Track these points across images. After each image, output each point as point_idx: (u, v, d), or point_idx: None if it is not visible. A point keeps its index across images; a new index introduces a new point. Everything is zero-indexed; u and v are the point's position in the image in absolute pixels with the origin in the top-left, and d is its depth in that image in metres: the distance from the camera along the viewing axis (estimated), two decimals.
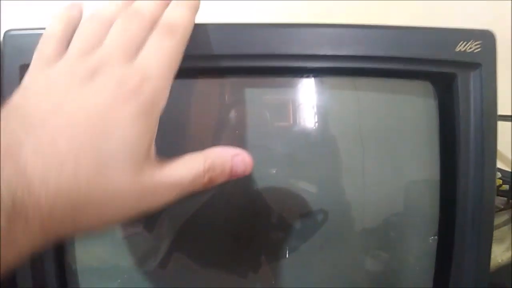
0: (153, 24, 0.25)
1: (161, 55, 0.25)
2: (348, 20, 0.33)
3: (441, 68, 0.33)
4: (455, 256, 0.36)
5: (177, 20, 0.26)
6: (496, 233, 0.48)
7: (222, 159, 0.25)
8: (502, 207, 0.55)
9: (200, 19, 0.29)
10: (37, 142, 0.21)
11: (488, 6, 0.63)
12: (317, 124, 0.37)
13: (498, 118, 0.61)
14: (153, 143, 0.24)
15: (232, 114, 0.35)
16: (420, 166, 0.38)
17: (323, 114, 0.36)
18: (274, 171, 0.36)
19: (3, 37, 0.33)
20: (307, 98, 0.36)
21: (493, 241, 0.48)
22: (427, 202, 0.39)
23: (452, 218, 0.35)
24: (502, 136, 0.61)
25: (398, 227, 0.41)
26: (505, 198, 0.58)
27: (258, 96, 0.36)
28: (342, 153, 0.38)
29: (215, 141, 0.35)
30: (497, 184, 0.64)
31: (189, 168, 0.24)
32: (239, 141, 0.35)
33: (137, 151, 0.22)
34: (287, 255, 0.39)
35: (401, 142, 0.38)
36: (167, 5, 0.27)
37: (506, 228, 0.47)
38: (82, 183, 0.21)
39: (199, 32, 0.30)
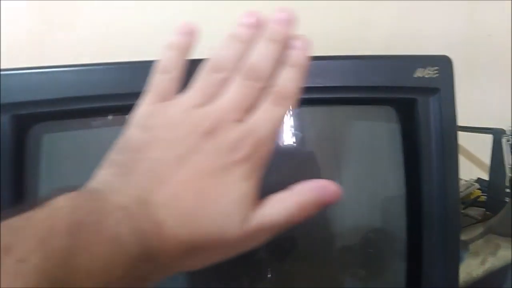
0: (266, 86, 0.26)
1: (273, 121, 0.26)
2: None
3: (401, 94, 0.34)
4: (425, 271, 0.37)
5: (290, 90, 0.27)
6: (472, 246, 0.48)
7: (311, 193, 0.26)
8: (480, 218, 0.56)
9: None
10: (164, 195, 0.23)
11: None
12: (289, 150, 0.38)
13: (477, 130, 0.63)
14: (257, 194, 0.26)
15: None
16: (389, 184, 0.39)
17: (299, 140, 0.37)
18: None
19: None
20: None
21: (469, 254, 0.49)
22: (396, 218, 0.40)
23: (419, 235, 0.36)
24: (483, 146, 0.63)
25: (375, 244, 0.42)
26: (483, 209, 0.59)
27: None
28: (318, 174, 0.39)
29: None
30: (476, 195, 0.65)
31: (284, 209, 0.25)
32: None
33: (245, 206, 0.24)
34: (268, 275, 0.40)
35: (371, 163, 0.39)
36: (279, 64, 0.27)
37: (481, 241, 0.48)
38: (201, 235, 0.23)
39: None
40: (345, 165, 0.39)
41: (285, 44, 0.27)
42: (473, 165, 0.73)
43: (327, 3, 0.63)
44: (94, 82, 0.33)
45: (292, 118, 0.38)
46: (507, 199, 0.53)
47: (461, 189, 0.63)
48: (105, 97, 0.33)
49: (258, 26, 0.28)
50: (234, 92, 0.26)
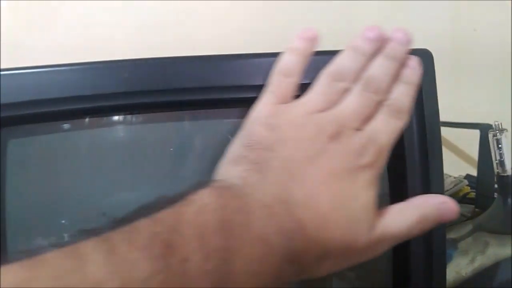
0: (382, 99, 0.27)
1: (390, 131, 0.26)
2: None
3: None
4: (411, 271, 0.36)
5: (405, 105, 0.27)
6: (461, 245, 0.47)
7: (431, 208, 0.26)
8: (470, 215, 0.55)
9: None
10: (303, 195, 0.23)
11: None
12: None
13: (464, 126, 0.62)
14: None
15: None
16: None
17: None
18: None
19: None
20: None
21: (458, 253, 0.48)
22: None
23: None
24: (471, 142, 0.62)
25: None
26: (473, 206, 0.59)
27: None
28: None
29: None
30: (465, 191, 0.64)
31: (405, 220, 0.25)
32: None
33: (372, 213, 0.24)
34: None
35: None
36: (397, 81, 0.28)
37: (470, 239, 0.47)
38: (336, 238, 0.23)
39: None
40: None
41: (401, 62, 0.28)
42: (462, 161, 0.73)
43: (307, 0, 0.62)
44: (61, 83, 0.32)
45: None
46: (496, 195, 0.52)
47: (450, 186, 0.62)
48: (74, 98, 0.32)
49: (379, 41, 0.28)
50: (354, 102, 0.26)
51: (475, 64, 0.72)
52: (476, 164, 0.60)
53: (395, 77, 0.28)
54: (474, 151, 0.60)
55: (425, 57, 0.33)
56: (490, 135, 0.50)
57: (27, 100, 0.32)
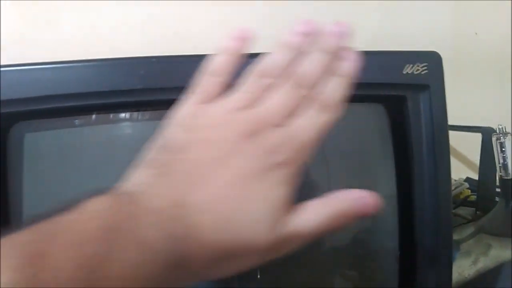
0: (312, 94, 0.26)
1: (315, 129, 0.26)
2: None
3: (390, 91, 0.33)
4: (418, 270, 0.36)
5: (335, 99, 0.27)
6: (463, 246, 0.48)
7: (347, 203, 0.25)
8: (470, 218, 0.56)
9: None
10: (201, 199, 0.23)
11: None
12: None
13: (466, 129, 0.63)
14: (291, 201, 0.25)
15: None
16: (379, 182, 0.39)
17: None
18: None
19: None
20: None
21: (460, 254, 0.48)
22: (388, 218, 0.39)
23: (412, 235, 0.36)
24: (472, 145, 0.62)
25: (365, 245, 0.41)
26: (473, 209, 0.59)
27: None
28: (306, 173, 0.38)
29: None
30: (465, 194, 0.65)
31: (316, 217, 0.25)
32: None
33: (280, 212, 0.24)
34: (258, 276, 0.39)
35: (360, 162, 0.38)
36: (330, 74, 0.27)
37: (472, 240, 0.48)
38: (234, 240, 0.23)
39: None
40: (334, 164, 0.38)
41: (335, 55, 0.27)
42: (461, 164, 0.73)
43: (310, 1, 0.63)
44: (75, 79, 0.32)
45: None
46: (497, 199, 0.53)
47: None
48: (88, 95, 0.32)
49: (311, 35, 0.28)
50: (279, 98, 0.26)
51: (476, 67, 0.72)
52: (475, 167, 0.61)
53: (328, 71, 0.27)
54: (473, 154, 0.60)
55: (434, 59, 0.34)
56: (494, 139, 0.51)
57: (43, 95, 0.32)
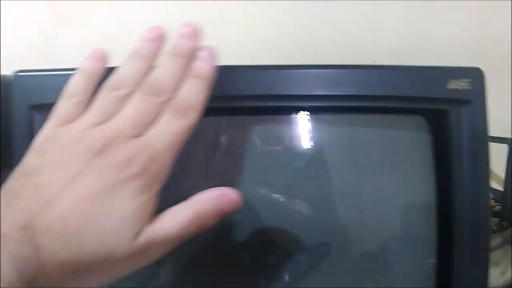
0: (167, 100, 0.26)
1: (172, 135, 0.26)
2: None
3: (433, 105, 0.35)
4: (454, 278, 0.37)
5: (192, 102, 0.27)
6: (492, 256, 0.49)
7: (208, 203, 0.26)
8: (495, 228, 0.57)
9: None
10: (49, 219, 0.23)
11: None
12: (317, 157, 0.38)
13: (495, 140, 0.63)
14: (154, 208, 0.25)
15: (235, 151, 0.36)
16: (416, 192, 0.40)
17: (323, 149, 0.38)
18: (276, 204, 0.37)
19: (14, 78, 0.34)
20: (307, 134, 0.38)
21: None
22: (424, 226, 0.40)
23: (450, 242, 0.37)
24: (495, 156, 0.63)
25: (397, 251, 0.42)
26: (497, 219, 0.60)
27: (260, 133, 0.37)
28: (340, 183, 0.39)
29: (220, 177, 0.36)
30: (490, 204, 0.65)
31: (177, 221, 0.25)
32: (242, 177, 0.36)
33: (136, 222, 0.24)
34: (286, 279, 0.40)
35: (397, 171, 0.39)
36: (184, 77, 0.27)
37: (500, 251, 0.48)
38: (86, 255, 0.23)
39: None
40: (374, 173, 0.39)
41: (190, 57, 0.27)
42: None
43: (334, 8, 0.63)
44: None
45: (319, 126, 0.38)
46: None
47: None
48: None
49: (160, 41, 0.28)
50: (132, 108, 0.26)
51: (500, 75, 0.72)
52: (499, 178, 0.61)
53: (184, 74, 0.27)
54: (498, 165, 0.60)
55: (478, 75, 0.35)
56: None
57: None
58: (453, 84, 0.34)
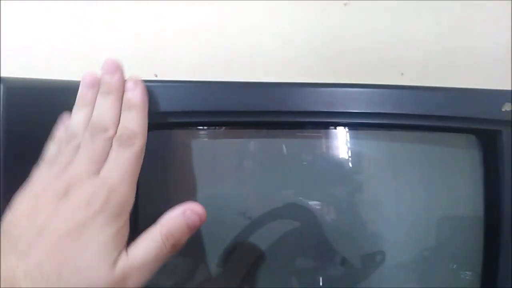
0: (113, 134, 0.29)
1: (123, 165, 0.28)
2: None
3: (487, 126, 0.37)
4: None
5: (133, 130, 0.29)
6: None
7: (175, 221, 0.28)
8: None
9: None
10: (26, 267, 0.25)
11: None
12: (376, 172, 0.40)
13: None
14: (127, 235, 0.27)
15: (282, 164, 0.38)
16: (465, 206, 0.42)
17: (380, 164, 0.40)
18: (330, 214, 0.40)
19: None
20: (364, 151, 0.40)
21: None
22: (472, 239, 0.42)
23: (496, 256, 0.39)
24: None
25: (446, 261, 0.44)
26: None
27: (310, 148, 0.40)
28: (394, 195, 0.41)
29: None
30: None
31: (149, 247, 0.27)
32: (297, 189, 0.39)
33: (110, 252, 0.26)
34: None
35: (447, 184, 0.42)
36: (121, 109, 0.30)
37: None
38: None
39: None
40: (425, 188, 0.41)
41: (120, 90, 0.30)
42: None
43: (364, 19, 0.63)
44: (213, 98, 0.36)
45: (375, 141, 0.40)
46: None
47: None
48: (217, 113, 0.36)
49: (96, 85, 0.30)
50: (84, 151, 0.28)
51: None
52: None
53: (120, 107, 0.30)
54: None
55: None
56: None
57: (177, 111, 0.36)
58: (508, 107, 0.36)
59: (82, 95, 0.31)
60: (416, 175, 0.42)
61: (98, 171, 0.28)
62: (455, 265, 0.44)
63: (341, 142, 0.40)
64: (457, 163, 0.41)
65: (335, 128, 0.40)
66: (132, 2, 0.61)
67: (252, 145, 0.40)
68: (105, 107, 0.30)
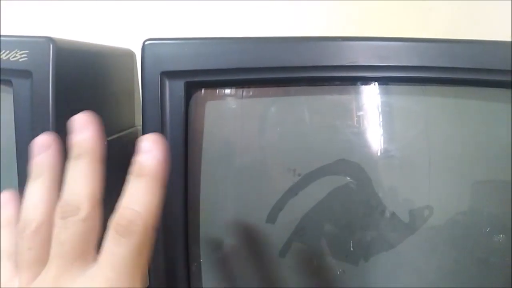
0: (89, 214, 0.24)
1: (119, 260, 0.23)
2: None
3: None
4: None
5: (139, 212, 0.24)
6: None
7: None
8: None
9: None
10: None
11: None
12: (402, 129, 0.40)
13: None
14: None
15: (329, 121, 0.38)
16: (500, 167, 0.42)
17: (410, 118, 0.40)
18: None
19: (143, 46, 0.36)
20: (394, 105, 0.40)
21: None
22: (504, 203, 0.42)
23: None
24: None
25: (465, 225, 0.44)
26: None
27: (337, 103, 0.40)
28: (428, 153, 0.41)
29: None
30: None
31: None
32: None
33: None
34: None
35: (481, 144, 0.42)
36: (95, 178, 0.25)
37: None
38: None
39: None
40: (459, 144, 0.41)
41: (95, 154, 0.25)
42: None
43: None
44: (258, 54, 0.36)
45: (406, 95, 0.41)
46: None
47: None
48: (266, 69, 0.36)
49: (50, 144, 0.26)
50: (57, 247, 0.23)
51: None
52: None
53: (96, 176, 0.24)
54: None
55: None
56: None
57: (224, 68, 0.36)
58: None
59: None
60: (453, 133, 0.42)
61: (91, 256, 0.24)
62: (488, 228, 0.44)
63: (382, 98, 0.40)
64: (494, 120, 0.41)
65: (375, 84, 0.39)
66: None
67: (297, 102, 0.39)
68: (75, 176, 0.24)
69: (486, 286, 0.43)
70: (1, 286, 0.24)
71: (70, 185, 0.24)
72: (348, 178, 0.38)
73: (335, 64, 0.36)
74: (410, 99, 0.41)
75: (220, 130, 0.38)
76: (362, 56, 0.36)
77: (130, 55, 0.54)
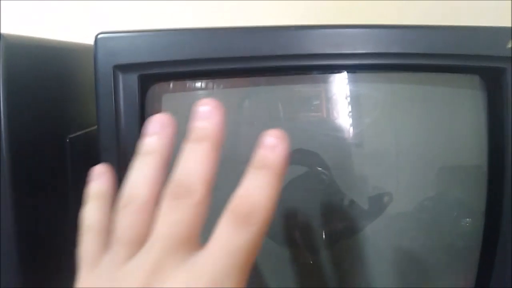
0: (203, 198, 0.22)
1: (230, 256, 0.21)
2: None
3: (491, 63, 0.37)
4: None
5: (261, 204, 0.22)
6: None
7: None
8: None
9: None
10: None
11: None
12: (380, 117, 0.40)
13: None
14: None
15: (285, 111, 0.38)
16: (467, 152, 0.42)
17: (382, 107, 0.40)
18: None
19: (95, 40, 0.35)
20: (364, 92, 0.40)
21: None
22: (473, 189, 0.42)
23: (499, 205, 0.39)
24: None
25: (432, 210, 0.44)
26: None
27: (308, 94, 0.40)
28: (395, 139, 0.42)
29: None
30: None
31: None
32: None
33: None
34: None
35: (451, 129, 0.42)
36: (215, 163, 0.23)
37: None
38: None
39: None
40: (427, 132, 0.41)
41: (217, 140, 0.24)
42: None
43: None
44: (214, 44, 0.35)
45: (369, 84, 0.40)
46: None
47: None
48: (223, 59, 0.35)
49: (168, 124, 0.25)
50: (162, 224, 0.22)
51: None
52: None
53: (216, 161, 0.23)
54: None
55: None
56: None
57: (180, 59, 0.35)
58: None
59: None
60: (418, 120, 0.42)
61: (192, 250, 0.21)
62: (455, 213, 0.45)
63: (344, 85, 0.40)
64: (460, 107, 0.41)
65: (339, 72, 0.39)
66: None
67: (254, 92, 0.39)
68: (193, 159, 0.23)
69: (453, 269, 0.44)
70: (87, 262, 0.23)
71: (185, 167, 0.22)
72: (305, 168, 0.38)
73: (289, 53, 0.35)
74: (372, 87, 0.41)
75: (177, 123, 0.37)
76: (317, 45, 0.36)
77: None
